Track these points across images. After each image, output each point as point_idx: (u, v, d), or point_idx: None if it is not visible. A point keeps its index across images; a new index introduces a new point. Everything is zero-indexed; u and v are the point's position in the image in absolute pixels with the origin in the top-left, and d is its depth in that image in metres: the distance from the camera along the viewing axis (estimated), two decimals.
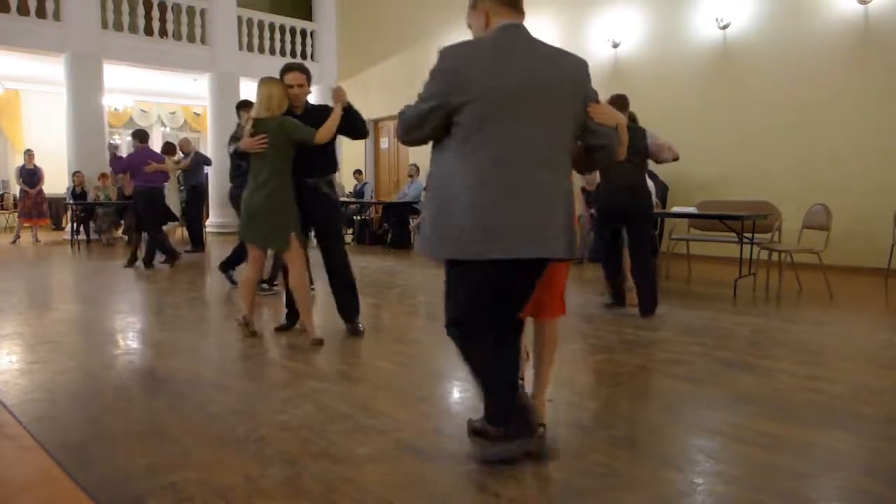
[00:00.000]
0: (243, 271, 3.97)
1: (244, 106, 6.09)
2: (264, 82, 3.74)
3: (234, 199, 5.54)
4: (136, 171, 7.40)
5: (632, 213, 4.59)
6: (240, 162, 4.71)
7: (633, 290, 4.74)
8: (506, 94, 1.98)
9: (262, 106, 3.69)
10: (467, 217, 1.96)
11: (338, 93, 3.81)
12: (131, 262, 7.30)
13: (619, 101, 4.55)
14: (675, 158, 4.70)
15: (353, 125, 3.89)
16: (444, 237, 2.02)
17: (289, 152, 3.71)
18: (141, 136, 7.71)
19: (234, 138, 4.20)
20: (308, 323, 3.87)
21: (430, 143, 2.23)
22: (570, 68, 2.14)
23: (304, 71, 3.84)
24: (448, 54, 2.05)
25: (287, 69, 3.83)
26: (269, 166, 3.68)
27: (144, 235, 7.50)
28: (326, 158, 3.97)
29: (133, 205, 7.74)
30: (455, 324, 2.12)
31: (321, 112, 3.86)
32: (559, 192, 2.13)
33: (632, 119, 4.83)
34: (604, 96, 8.71)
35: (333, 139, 3.85)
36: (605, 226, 4.84)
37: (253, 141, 3.65)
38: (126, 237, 11.04)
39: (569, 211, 2.19)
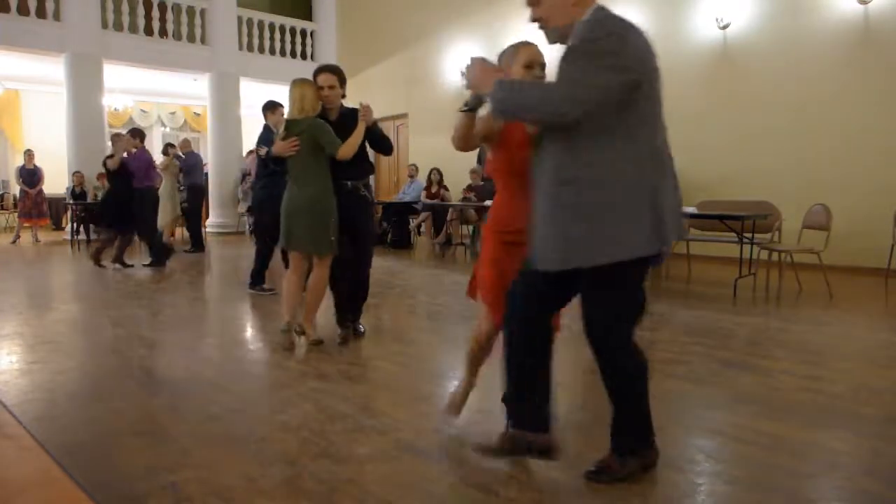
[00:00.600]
0: (285, 278, 3.82)
1: (270, 107, 5.94)
2: (296, 84, 3.64)
3: (261, 201, 5.43)
4: (148, 170, 7.40)
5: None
6: (274, 167, 4.60)
7: None
8: (657, 75, 1.87)
9: (295, 107, 3.60)
10: (653, 207, 1.78)
11: (365, 111, 3.67)
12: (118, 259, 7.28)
13: None
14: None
15: (379, 145, 3.79)
16: (613, 237, 1.79)
17: (323, 153, 3.60)
18: (141, 135, 7.65)
19: (264, 140, 4.06)
20: (310, 323, 3.83)
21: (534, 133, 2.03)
22: None
23: (336, 72, 3.73)
24: (623, 22, 1.80)
25: (319, 70, 3.73)
26: (308, 168, 3.59)
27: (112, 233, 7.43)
28: (365, 161, 3.84)
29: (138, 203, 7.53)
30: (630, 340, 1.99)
31: (355, 118, 3.71)
32: None
33: None
34: None
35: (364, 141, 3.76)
36: None
37: (285, 144, 3.58)
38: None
39: None
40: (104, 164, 7.58)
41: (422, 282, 6.42)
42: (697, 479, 2.07)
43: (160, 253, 7.36)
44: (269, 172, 5.24)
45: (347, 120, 3.67)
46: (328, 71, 3.71)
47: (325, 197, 3.61)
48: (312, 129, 3.55)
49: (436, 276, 6.59)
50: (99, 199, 10.43)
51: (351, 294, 3.95)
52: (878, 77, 6.56)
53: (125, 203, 7.19)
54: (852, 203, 6.56)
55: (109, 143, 8.45)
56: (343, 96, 3.75)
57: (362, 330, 4.09)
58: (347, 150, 3.58)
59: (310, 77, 3.72)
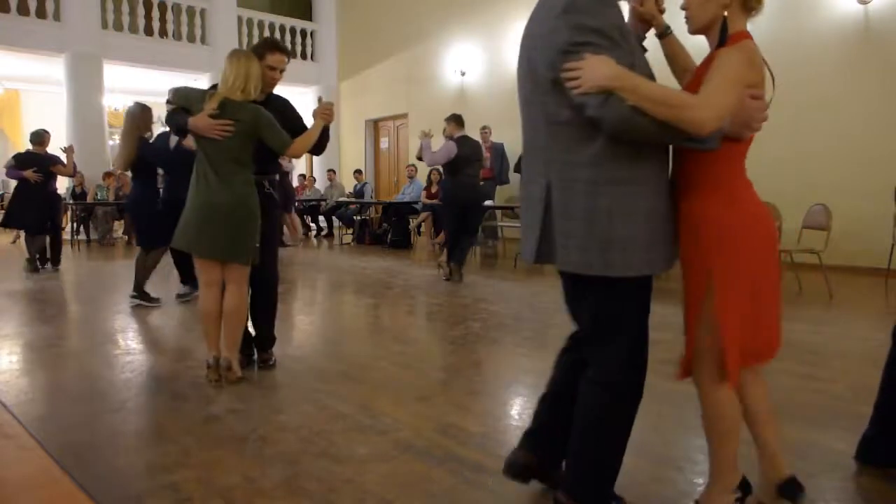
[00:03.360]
0: (201, 297, 3.15)
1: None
2: (242, 58, 3.03)
3: (136, 202, 5.25)
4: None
5: (475, 204, 6.54)
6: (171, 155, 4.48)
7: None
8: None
9: (236, 85, 2.95)
10: (656, 225, 1.64)
11: (326, 111, 3.22)
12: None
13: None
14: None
15: (321, 144, 3.32)
16: (652, 244, 1.64)
17: (252, 146, 3.04)
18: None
19: (176, 116, 3.13)
20: (234, 356, 3.11)
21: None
22: None
23: (288, 53, 3.32)
24: None
25: (273, 48, 3.24)
26: (234, 161, 2.98)
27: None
28: (274, 155, 3.30)
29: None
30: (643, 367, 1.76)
31: (282, 106, 3.29)
32: None
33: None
34: None
35: None
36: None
37: (215, 125, 2.90)
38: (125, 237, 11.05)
39: None
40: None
41: (422, 282, 6.42)
42: (697, 479, 2.07)
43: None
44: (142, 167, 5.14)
45: (271, 106, 3.18)
46: (283, 51, 3.27)
47: (251, 196, 3.03)
48: (257, 120, 2.98)
49: (436, 276, 6.59)
50: (98, 198, 10.41)
51: (262, 311, 3.39)
52: (878, 77, 6.56)
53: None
54: (852, 203, 6.55)
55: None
56: None
57: (273, 363, 3.37)
58: (299, 148, 3.15)
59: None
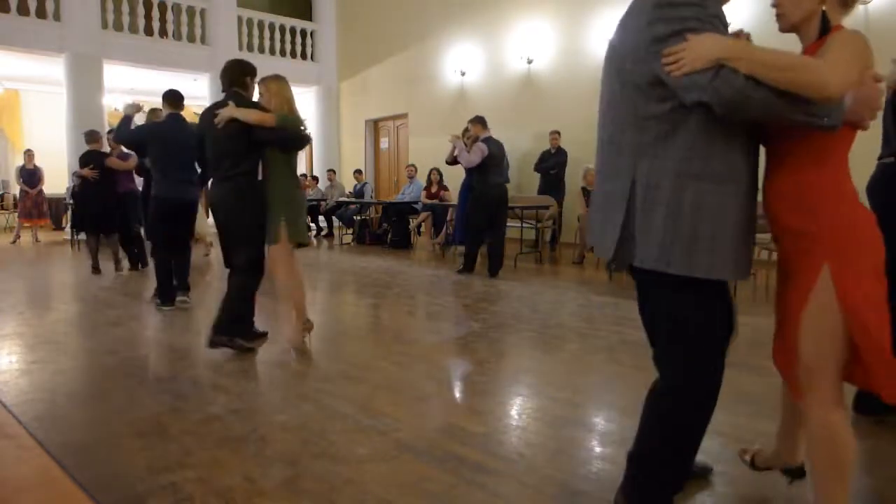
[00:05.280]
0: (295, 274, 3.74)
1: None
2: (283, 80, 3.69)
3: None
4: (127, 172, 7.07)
5: (502, 203, 6.71)
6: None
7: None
8: None
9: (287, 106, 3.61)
10: (744, 226, 1.56)
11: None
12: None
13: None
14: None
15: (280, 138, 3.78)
16: (740, 247, 1.55)
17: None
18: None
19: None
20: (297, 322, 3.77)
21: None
22: None
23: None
24: None
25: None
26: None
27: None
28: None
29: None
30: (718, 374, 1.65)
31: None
32: None
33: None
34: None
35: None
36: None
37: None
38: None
39: None
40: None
41: (422, 282, 6.42)
42: (697, 480, 2.07)
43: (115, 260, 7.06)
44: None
45: None
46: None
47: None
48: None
49: (436, 277, 6.59)
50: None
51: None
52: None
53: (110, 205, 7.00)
54: None
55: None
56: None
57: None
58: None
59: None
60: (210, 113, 3.63)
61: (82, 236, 10.50)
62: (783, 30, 1.66)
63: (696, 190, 1.51)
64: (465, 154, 6.54)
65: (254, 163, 3.56)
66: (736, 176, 1.53)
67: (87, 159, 6.79)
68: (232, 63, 3.76)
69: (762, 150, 1.65)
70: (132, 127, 5.25)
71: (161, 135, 4.86)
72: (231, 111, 3.48)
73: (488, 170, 6.51)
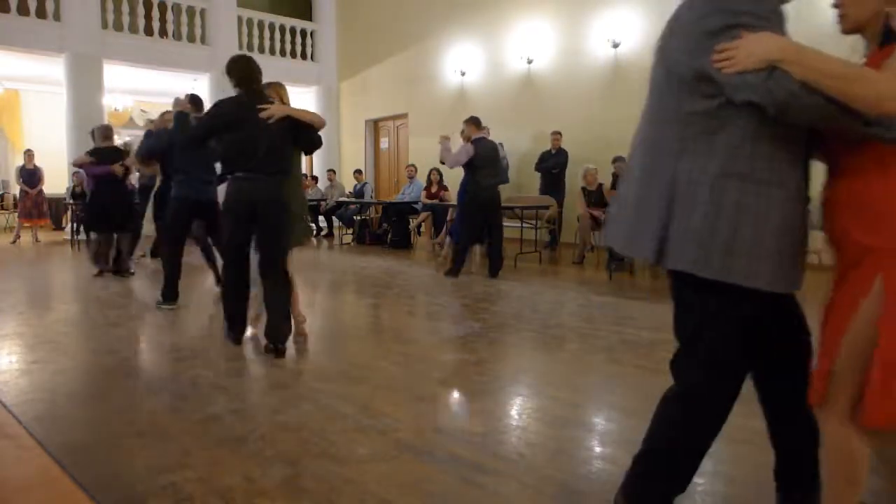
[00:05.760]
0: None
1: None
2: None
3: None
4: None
5: (495, 206, 6.68)
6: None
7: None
8: None
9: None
10: (789, 234, 1.49)
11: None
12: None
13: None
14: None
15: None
16: (784, 256, 1.49)
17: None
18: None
19: None
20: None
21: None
22: None
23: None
24: None
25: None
26: None
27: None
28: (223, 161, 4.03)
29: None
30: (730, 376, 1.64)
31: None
32: None
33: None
34: (602, 96, 8.72)
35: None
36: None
37: None
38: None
39: None
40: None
41: (421, 282, 6.42)
42: (697, 479, 2.07)
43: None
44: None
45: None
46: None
47: None
48: None
49: (436, 277, 6.59)
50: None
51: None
52: None
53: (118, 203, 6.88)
54: None
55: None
56: (235, 87, 3.73)
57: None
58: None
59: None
60: (239, 107, 3.55)
61: (82, 235, 10.53)
62: (846, 31, 1.59)
63: (740, 191, 1.45)
64: (447, 155, 6.55)
65: (292, 161, 3.68)
66: (782, 179, 1.46)
67: (106, 156, 6.62)
68: (248, 59, 3.70)
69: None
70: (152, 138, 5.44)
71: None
72: (284, 109, 3.55)
73: (477, 171, 6.46)
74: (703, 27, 1.46)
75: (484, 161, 6.45)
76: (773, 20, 1.43)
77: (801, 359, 1.69)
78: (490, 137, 9.27)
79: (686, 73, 1.51)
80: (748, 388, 3.02)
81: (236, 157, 3.53)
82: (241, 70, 3.60)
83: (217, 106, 3.65)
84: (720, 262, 1.45)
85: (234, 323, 3.71)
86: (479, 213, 6.54)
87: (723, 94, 1.44)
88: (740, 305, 1.52)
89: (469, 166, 6.46)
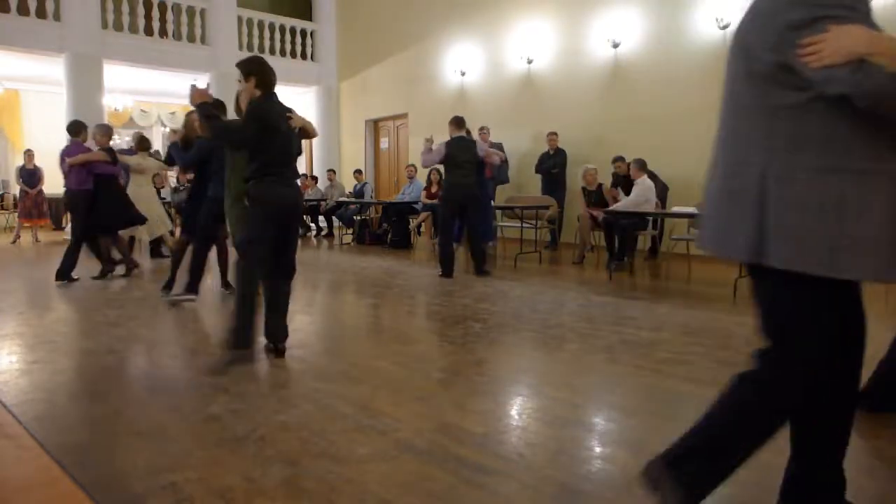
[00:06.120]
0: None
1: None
2: None
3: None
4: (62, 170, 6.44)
5: (466, 204, 6.62)
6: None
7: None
8: None
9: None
10: (893, 223, 1.44)
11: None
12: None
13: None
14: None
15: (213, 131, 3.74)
16: (861, 249, 1.44)
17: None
18: (68, 127, 6.53)
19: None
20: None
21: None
22: None
23: (239, 66, 3.67)
24: None
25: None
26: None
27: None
28: (251, 160, 3.71)
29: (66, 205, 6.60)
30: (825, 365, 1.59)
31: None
32: None
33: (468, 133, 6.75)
34: (602, 96, 8.70)
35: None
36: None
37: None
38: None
39: None
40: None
41: (421, 282, 6.42)
42: None
43: (105, 260, 6.69)
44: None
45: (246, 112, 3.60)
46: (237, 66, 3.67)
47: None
48: None
49: (436, 277, 6.59)
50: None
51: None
52: None
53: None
54: None
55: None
56: (256, 87, 3.55)
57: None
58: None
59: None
60: (279, 112, 3.59)
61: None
62: None
63: (838, 185, 1.41)
64: (424, 155, 6.68)
65: None
66: (882, 168, 1.42)
67: (112, 156, 6.59)
68: (266, 62, 3.69)
69: None
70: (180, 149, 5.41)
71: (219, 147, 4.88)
72: (303, 119, 3.79)
73: (449, 170, 6.64)
74: (786, 20, 1.42)
75: (455, 160, 6.54)
76: (859, 10, 1.40)
77: (862, 342, 1.74)
78: (490, 137, 9.33)
79: (770, 67, 1.47)
80: None
81: (277, 159, 3.54)
82: (267, 73, 3.58)
83: (262, 106, 3.52)
84: (824, 258, 1.42)
85: (249, 330, 3.46)
86: (450, 211, 6.65)
87: (812, 87, 1.41)
88: (837, 297, 1.51)
89: (445, 165, 6.64)
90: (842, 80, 1.34)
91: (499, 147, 9.40)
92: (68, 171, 6.30)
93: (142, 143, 7.65)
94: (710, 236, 1.67)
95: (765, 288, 1.62)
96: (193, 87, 3.63)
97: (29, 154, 11.11)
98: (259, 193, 3.49)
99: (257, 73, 3.56)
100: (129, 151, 7.73)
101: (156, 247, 8.34)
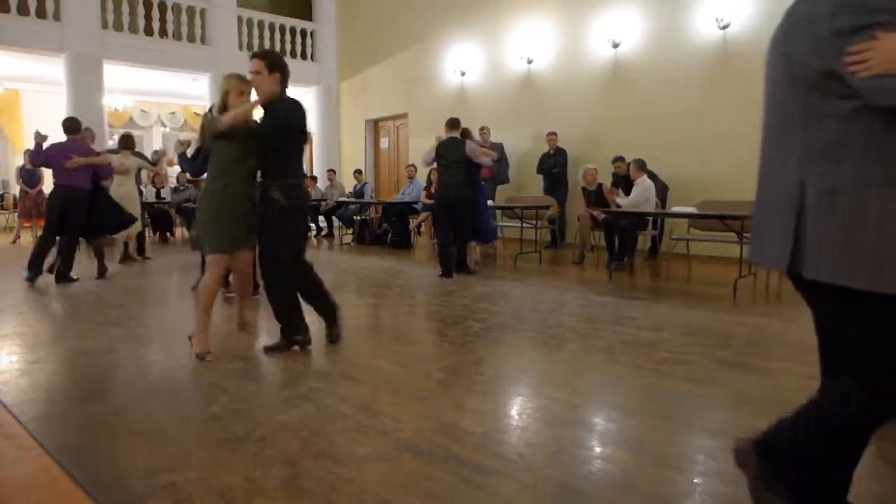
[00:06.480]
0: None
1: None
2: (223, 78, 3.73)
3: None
4: (55, 165, 6.22)
5: (453, 203, 6.62)
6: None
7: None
8: None
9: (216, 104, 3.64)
10: None
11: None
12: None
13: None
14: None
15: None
16: None
17: (240, 149, 3.53)
18: (68, 125, 6.42)
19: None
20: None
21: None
22: None
23: (263, 57, 3.57)
24: None
25: (252, 57, 3.63)
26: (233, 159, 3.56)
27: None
28: (281, 161, 3.56)
29: (49, 204, 6.36)
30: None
31: (276, 108, 3.52)
32: None
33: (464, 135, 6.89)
34: (602, 96, 8.71)
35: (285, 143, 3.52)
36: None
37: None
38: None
39: None
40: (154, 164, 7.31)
41: (421, 282, 6.41)
42: (697, 479, 2.07)
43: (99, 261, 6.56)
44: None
45: (269, 108, 3.50)
46: (255, 56, 3.60)
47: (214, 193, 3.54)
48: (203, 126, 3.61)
49: (436, 277, 6.59)
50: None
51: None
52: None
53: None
54: None
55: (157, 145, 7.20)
56: (279, 83, 3.52)
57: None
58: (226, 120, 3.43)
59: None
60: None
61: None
62: None
63: (884, 198, 1.36)
64: (421, 156, 6.96)
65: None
66: None
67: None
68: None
69: None
70: (189, 157, 5.42)
71: None
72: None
73: (440, 170, 6.79)
74: (832, 26, 1.36)
75: (444, 161, 6.67)
76: None
77: None
78: (490, 138, 9.34)
79: (813, 74, 1.42)
80: (751, 388, 3.03)
81: (299, 162, 3.62)
82: (288, 72, 3.60)
83: (296, 108, 3.52)
84: (868, 274, 1.38)
85: (301, 324, 3.68)
86: (441, 210, 6.78)
87: (859, 97, 1.36)
88: (889, 311, 1.43)
89: (437, 165, 6.83)
90: (891, 91, 1.30)
91: (499, 147, 9.40)
92: (74, 169, 6.27)
93: (125, 143, 7.54)
94: (755, 248, 1.64)
95: (823, 305, 1.54)
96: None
97: (29, 154, 11.10)
98: (297, 198, 3.52)
99: (282, 68, 3.55)
100: (116, 151, 7.72)
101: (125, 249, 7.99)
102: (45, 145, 6.29)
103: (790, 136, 1.50)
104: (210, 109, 3.84)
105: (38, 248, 6.27)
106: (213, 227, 3.50)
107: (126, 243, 7.87)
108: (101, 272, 6.54)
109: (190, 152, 4.31)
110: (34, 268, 6.20)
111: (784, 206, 1.49)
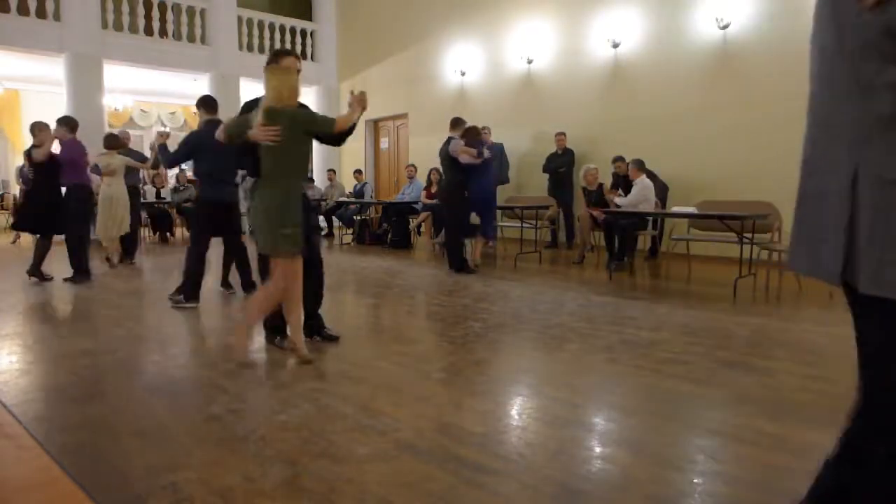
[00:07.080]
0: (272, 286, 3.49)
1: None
2: (277, 71, 3.38)
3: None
4: (71, 164, 6.42)
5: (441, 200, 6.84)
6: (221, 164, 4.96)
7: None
8: None
9: (273, 95, 3.33)
10: None
11: (361, 99, 3.51)
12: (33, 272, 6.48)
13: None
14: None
15: (349, 132, 3.67)
16: None
17: (301, 146, 3.47)
18: (74, 125, 6.57)
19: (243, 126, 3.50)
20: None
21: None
22: None
23: (298, 57, 3.57)
24: None
25: (286, 54, 3.52)
26: (283, 163, 3.39)
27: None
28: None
29: (65, 202, 6.53)
30: None
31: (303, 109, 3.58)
32: None
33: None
34: (602, 96, 8.69)
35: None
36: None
37: (267, 132, 3.28)
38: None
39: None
40: (28, 156, 6.66)
41: (421, 282, 6.42)
42: (697, 479, 2.07)
43: (82, 267, 6.54)
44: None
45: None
46: (293, 55, 3.53)
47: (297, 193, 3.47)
48: (294, 118, 3.35)
49: (436, 276, 6.59)
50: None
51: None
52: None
53: (52, 202, 6.52)
54: None
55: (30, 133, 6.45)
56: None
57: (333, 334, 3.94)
58: (341, 124, 3.48)
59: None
60: None
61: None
62: None
63: None
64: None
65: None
66: None
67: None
68: None
69: None
70: (170, 150, 5.54)
71: (206, 144, 4.82)
72: None
73: (442, 171, 7.20)
74: None
75: (441, 160, 7.04)
76: None
77: None
78: (490, 137, 9.34)
79: (869, 33, 1.12)
80: (751, 388, 3.03)
81: (306, 164, 3.70)
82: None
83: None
84: None
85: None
86: (439, 207, 7.23)
87: None
88: None
89: None
90: None
91: (498, 147, 9.40)
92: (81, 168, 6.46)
93: (109, 142, 7.47)
94: (796, 255, 1.32)
95: (872, 325, 1.22)
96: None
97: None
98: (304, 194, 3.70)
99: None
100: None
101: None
102: (57, 146, 6.47)
103: (839, 114, 1.20)
104: (255, 102, 3.64)
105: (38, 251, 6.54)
106: (288, 229, 3.37)
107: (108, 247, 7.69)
108: (81, 276, 6.50)
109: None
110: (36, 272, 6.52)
111: (835, 201, 1.19)
